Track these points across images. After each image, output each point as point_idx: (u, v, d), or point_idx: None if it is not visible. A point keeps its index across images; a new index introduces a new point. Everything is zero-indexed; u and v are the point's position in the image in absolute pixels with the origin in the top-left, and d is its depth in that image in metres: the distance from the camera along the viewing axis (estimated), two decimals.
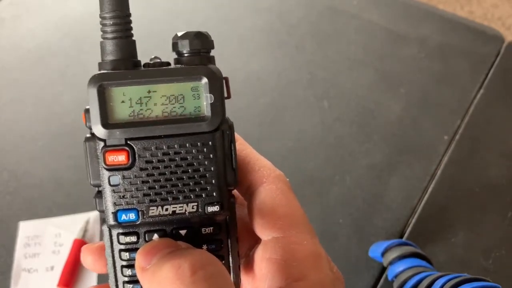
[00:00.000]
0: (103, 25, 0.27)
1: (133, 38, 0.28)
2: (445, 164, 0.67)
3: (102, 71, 0.26)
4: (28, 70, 0.77)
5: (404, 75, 0.75)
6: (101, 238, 0.62)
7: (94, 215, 0.63)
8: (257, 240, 0.29)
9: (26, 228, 0.62)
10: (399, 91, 0.73)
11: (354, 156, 0.68)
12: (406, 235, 0.61)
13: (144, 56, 0.28)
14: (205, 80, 0.26)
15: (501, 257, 0.60)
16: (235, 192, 0.30)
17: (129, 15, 0.27)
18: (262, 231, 0.29)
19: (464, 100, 0.72)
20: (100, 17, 0.27)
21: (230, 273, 0.28)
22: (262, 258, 0.28)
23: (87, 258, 0.30)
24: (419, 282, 0.51)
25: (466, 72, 0.75)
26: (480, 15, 1.74)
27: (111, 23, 0.27)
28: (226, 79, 0.27)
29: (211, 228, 0.28)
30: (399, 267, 0.54)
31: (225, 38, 0.79)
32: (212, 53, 0.28)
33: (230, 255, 0.29)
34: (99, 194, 0.27)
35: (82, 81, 0.86)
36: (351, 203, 0.64)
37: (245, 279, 0.30)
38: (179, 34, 0.27)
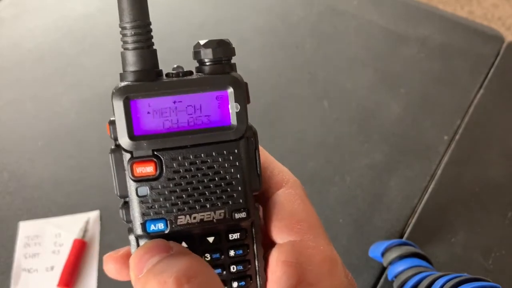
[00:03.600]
0: (124, 35, 0.26)
1: (154, 47, 0.27)
2: (445, 164, 0.67)
3: (126, 83, 0.26)
4: (28, 70, 0.77)
5: (404, 75, 0.75)
6: (101, 238, 0.62)
7: (94, 215, 0.63)
8: (270, 244, 0.29)
9: (26, 228, 0.62)
10: (399, 91, 0.73)
11: (354, 156, 0.68)
12: (406, 235, 0.61)
13: None
14: (231, 89, 0.27)
15: (501, 257, 0.60)
16: None
17: (150, 23, 0.27)
18: (279, 234, 0.29)
19: (464, 100, 0.72)
20: (120, 27, 0.26)
21: (256, 277, 0.29)
22: (277, 261, 0.28)
23: (109, 267, 0.29)
24: (419, 282, 0.51)
25: (466, 72, 0.75)
26: (480, 15, 1.74)
27: (133, 33, 0.26)
28: (246, 84, 0.28)
29: (238, 234, 0.28)
30: (399, 267, 0.54)
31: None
32: None
33: (256, 259, 0.29)
34: (126, 204, 0.27)
35: (82, 81, 0.86)
36: (351, 203, 0.64)
37: None
38: (202, 42, 0.27)
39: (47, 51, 0.79)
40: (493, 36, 0.78)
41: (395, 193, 0.64)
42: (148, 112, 0.26)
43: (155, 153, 0.26)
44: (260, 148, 0.30)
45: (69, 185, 0.65)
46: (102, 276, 0.59)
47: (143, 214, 0.26)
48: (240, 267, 0.28)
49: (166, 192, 0.26)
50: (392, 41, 0.78)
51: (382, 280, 0.58)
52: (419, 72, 0.75)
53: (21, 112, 0.73)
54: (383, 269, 0.58)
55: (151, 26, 0.27)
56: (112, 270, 0.29)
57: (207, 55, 0.27)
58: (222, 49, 0.27)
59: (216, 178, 0.27)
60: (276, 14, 0.83)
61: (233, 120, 0.27)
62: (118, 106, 0.26)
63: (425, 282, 0.50)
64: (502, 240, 0.61)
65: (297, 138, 0.69)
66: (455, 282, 0.47)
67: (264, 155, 0.31)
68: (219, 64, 0.27)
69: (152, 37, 0.27)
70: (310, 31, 0.80)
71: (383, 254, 0.57)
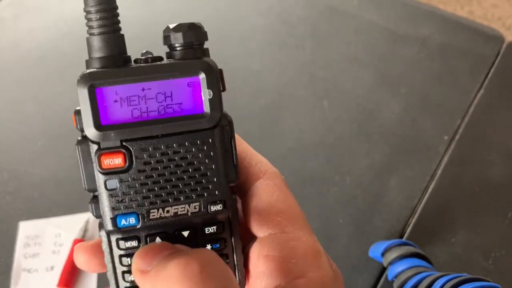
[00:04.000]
0: (89, 19, 0.25)
1: (121, 32, 0.26)
2: (445, 164, 0.67)
3: (91, 70, 0.25)
4: (28, 70, 0.77)
5: (404, 75, 0.75)
6: None
7: None
8: (251, 237, 0.29)
9: (26, 228, 0.62)
10: (399, 91, 0.73)
11: (354, 156, 0.68)
12: (406, 235, 0.61)
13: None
14: (203, 75, 0.25)
15: (501, 257, 0.60)
16: None
17: (116, 7, 0.26)
18: (259, 227, 0.28)
19: (464, 100, 0.72)
20: (85, 11, 0.25)
21: (235, 271, 0.28)
22: (258, 255, 0.27)
23: (79, 256, 0.28)
24: (419, 282, 0.51)
25: (466, 72, 0.75)
26: (480, 15, 1.74)
27: (98, 17, 0.25)
28: (221, 71, 0.26)
29: (215, 227, 0.27)
30: (399, 267, 0.54)
31: (225, 38, 0.79)
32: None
33: (235, 253, 0.28)
34: (95, 199, 0.26)
35: None
36: (351, 203, 0.64)
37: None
38: (171, 26, 0.26)
39: (47, 51, 0.79)
40: (493, 36, 0.78)
41: (395, 193, 0.64)
42: (115, 101, 0.25)
43: (124, 143, 0.25)
44: (237, 137, 0.29)
45: (69, 185, 0.65)
46: (102, 276, 0.59)
47: (113, 209, 0.25)
48: None
49: (137, 185, 0.25)
50: (392, 41, 0.78)
51: (382, 280, 0.58)
52: (419, 72, 0.75)
53: (21, 112, 0.73)
54: (383, 269, 0.58)
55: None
56: (82, 260, 0.28)
57: (177, 40, 0.26)
58: (194, 33, 0.26)
59: (190, 169, 0.26)
60: (276, 14, 0.83)
61: (206, 108, 0.26)
62: (83, 94, 0.24)
63: (425, 282, 0.50)
64: (502, 240, 0.61)
65: (297, 138, 0.69)
66: (455, 282, 0.47)
67: (241, 145, 0.29)
68: (190, 49, 0.26)
69: (119, 21, 0.26)
70: (310, 31, 0.80)
71: (383, 254, 0.57)
